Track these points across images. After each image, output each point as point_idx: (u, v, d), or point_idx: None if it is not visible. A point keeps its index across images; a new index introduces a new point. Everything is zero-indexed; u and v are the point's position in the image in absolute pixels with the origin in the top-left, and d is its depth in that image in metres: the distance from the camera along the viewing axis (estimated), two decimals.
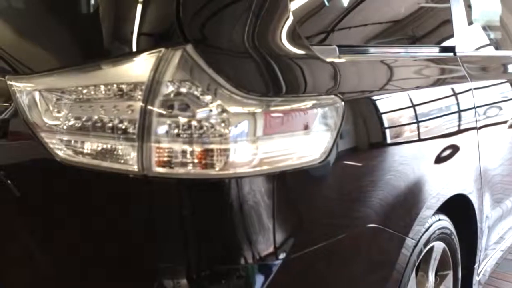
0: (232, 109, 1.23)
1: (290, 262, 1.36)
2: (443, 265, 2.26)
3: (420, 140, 1.77)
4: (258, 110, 1.26)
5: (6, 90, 1.39)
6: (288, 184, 1.34)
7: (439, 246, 2.13)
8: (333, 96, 1.43)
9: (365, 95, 1.56)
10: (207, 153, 1.22)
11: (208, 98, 1.22)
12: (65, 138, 1.31)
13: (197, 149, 1.22)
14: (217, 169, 1.23)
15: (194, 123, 1.22)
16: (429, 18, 2.15)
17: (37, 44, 1.46)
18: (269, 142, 1.28)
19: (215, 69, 1.24)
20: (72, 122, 1.30)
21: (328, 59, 1.51)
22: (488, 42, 2.76)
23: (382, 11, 1.88)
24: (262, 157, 1.27)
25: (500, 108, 2.49)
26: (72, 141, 1.30)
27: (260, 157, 1.27)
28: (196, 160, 1.22)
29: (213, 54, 1.28)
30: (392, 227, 1.68)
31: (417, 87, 1.81)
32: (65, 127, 1.30)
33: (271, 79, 1.34)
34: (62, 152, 1.31)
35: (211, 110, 1.22)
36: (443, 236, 2.10)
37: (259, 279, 1.34)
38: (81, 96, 1.29)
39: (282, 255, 1.34)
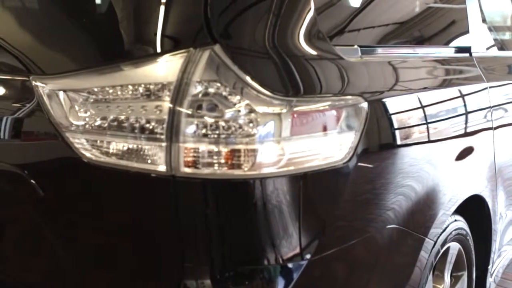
0: (260, 109, 1.23)
1: (314, 263, 1.36)
2: (457, 266, 2.25)
3: (440, 140, 1.77)
4: (285, 110, 1.26)
5: (31, 90, 1.39)
6: (313, 185, 1.34)
7: (454, 247, 2.13)
8: (356, 96, 1.43)
9: (386, 95, 1.56)
10: (235, 153, 1.22)
11: (236, 98, 1.22)
12: (91, 138, 1.30)
13: (225, 149, 1.22)
14: (244, 169, 1.23)
15: (222, 123, 1.21)
16: (446, 19, 2.15)
17: (62, 45, 1.46)
18: (296, 142, 1.28)
19: (243, 69, 1.24)
20: (98, 122, 1.29)
21: (351, 59, 1.50)
22: (501, 42, 2.76)
23: (401, 11, 1.88)
24: (289, 158, 1.26)
25: None
26: (98, 141, 1.30)
27: (287, 157, 1.26)
28: (223, 161, 1.22)
29: (240, 54, 1.28)
30: (412, 228, 1.68)
31: (436, 87, 1.81)
32: (91, 127, 1.30)
33: (297, 79, 1.34)
34: (87, 152, 1.31)
35: (239, 111, 1.22)
36: (458, 237, 2.10)
37: (283, 280, 1.33)
38: (107, 96, 1.29)
39: (307, 256, 1.34)
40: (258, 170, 1.23)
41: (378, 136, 1.50)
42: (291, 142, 1.27)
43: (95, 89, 1.30)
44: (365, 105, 1.43)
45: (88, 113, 1.31)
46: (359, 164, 1.42)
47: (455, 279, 2.31)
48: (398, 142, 1.58)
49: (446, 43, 2.13)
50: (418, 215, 1.71)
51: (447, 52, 2.11)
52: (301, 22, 1.40)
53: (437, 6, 2.09)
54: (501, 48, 2.76)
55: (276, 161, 1.26)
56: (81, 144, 1.32)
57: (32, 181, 1.42)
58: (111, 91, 1.28)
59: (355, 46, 1.55)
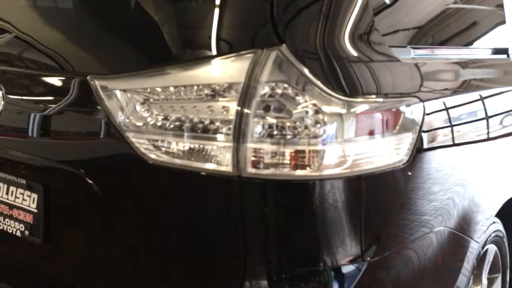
0: (327, 109, 1.23)
1: (374, 264, 1.35)
2: (492, 268, 2.25)
3: (487, 140, 1.77)
4: (351, 111, 1.25)
5: (88, 90, 1.39)
6: (375, 186, 1.34)
7: (492, 249, 2.13)
8: (413, 97, 1.43)
9: (438, 96, 1.56)
10: (302, 154, 1.22)
11: (303, 98, 1.22)
12: (153, 138, 1.30)
13: (292, 150, 1.22)
14: (311, 170, 1.22)
15: (290, 124, 1.21)
16: (487, 21, 2.14)
17: (123, 45, 1.46)
18: (360, 143, 1.28)
19: (309, 69, 1.24)
20: (161, 122, 1.29)
21: (405, 60, 1.50)
22: None
23: (446, 13, 1.88)
24: (354, 159, 1.26)
25: None
26: (160, 141, 1.30)
27: (352, 158, 1.26)
28: (290, 161, 1.22)
29: (305, 55, 1.27)
30: (460, 230, 1.68)
31: (483, 89, 1.81)
32: (153, 127, 1.30)
33: (360, 80, 1.34)
34: (148, 152, 1.31)
35: (307, 112, 1.21)
36: (496, 239, 2.10)
37: (342, 282, 1.33)
38: (170, 97, 1.28)
39: (367, 258, 1.34)
40: (324, 171, 1.23)
41: (432, 137, 1.50)
42: (356, 143, 1.27)
43: (158, 89, 1.30)
44: (421, 105, 1.43)
45: (150, 113, 1.30)
46: (416, 165, 1.42)
47: (489, 281, 2.30)
48: (450, 142, 1.58)
49: (486, 45, 2.13)
50: (466, 217, 1.71)
51: (486, 54, 2.11)
52: (361, 24, 1.40)
53: (478, 8, 2.09)
54: None
55: (342, 162, 1.25)
56: (142, 144, 1.31)
57: (89, 180, 1.41)
58: (175, 91, 1.28)
59: (408, 47, 1.55)
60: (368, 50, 1.41)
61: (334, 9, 1.35)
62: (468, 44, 2.00)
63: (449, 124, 1.56)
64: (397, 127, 1.36)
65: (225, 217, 1.29)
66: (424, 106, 1.43)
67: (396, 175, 1.37)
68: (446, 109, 1.55)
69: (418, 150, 1.41)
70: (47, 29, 1.62)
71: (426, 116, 1.44)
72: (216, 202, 1.30)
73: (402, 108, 1.38)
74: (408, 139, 1.38)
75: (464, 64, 1.82)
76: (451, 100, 1.59)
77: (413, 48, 1.57)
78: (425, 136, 1.45)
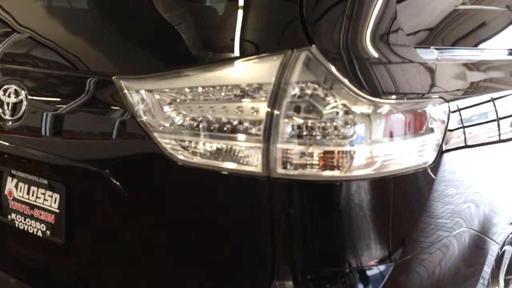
0: (356, 109, 1.22)
1: (401, 265, 1.35)
2: (509, 269, 2.24)
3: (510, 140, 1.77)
4: (381, 111, 1.25)
5: (114, 90, 1.38)
6: (403, 187, 1.34)
7: (509, 250, 2.12)
8: (438, 97, 1.42)
9: (462, 96, 1.56)
10: (331, 155, 1.22)
11: (333, 99, 1.22)
12: (180, 138, 1.30)
13: (322, 151, 1.21)
14: (341, 171, 1.22)
15: (320, 124, 1.21)
16: (508, 22, 2.14)
17: (151, 46, 1.46)
18: (389, 144, 1.27)
19: (339, 70, 1.24)
20: (189, 122, 1.29)
21: (429, 61, 1.50)
22: None
23: (469, 14, 1.88)
24: (383, 160, 1.26)
25: None
26: (187, 142, 1.30)
27: (382, 159, 1.26)
28: (320, 162, 1.22)
29: (334, 55, 1.27)
30: (483, 231, 1.68)
31: (507, 89, 1.81)
32: (181, 127, 1.29)
33: (388, 81, 1.33)
34: (176, 152, 1.30)
35: (337, 112, 1.21)
36: None
37: (367, 284, 1.32)
38: (199, 97, 1.28)
39: (394, 259, 1.33)
40: (353, 172, 1.23)
41: (457, 138, 1.50)
42: (384, 144, 1.27)
43: (186, 90, 1.29)
44: (446, 106, 1.43)
45: (178, 114, 1.30)
46: (443, 165, 1.42)
47: (506, 282, 2.30)
48: (475, 142, 1.58)
49: (507, 46, 2.13)
50: (488, 218, 1.71)
51: (505, 55, 2.11)
52: (388, 25, 1.40)
53: (500, 9, 2.08)
54: None
55: (370, 163, 1.25)
56: (169, 144, 1.31)
57: (114, 180, 1.41)
58: (204, 91, 1.27)
59: (431, 48, 1.55)
60: (394, 50, 1.40)
61: (358, 9, 1.35)
62: (490, 44, 1.99)
63: (474, 125, 1.56)
64: (424, 128, 1.35)
65: (253, 217, 1.29)
66: (449, 107, 1.43)
67: (422, 175, 1.37)
68: (471, 109, 1.55)
69: (443, 151, 1.41)
70: (71, 30, 1.62)
71: (451, 117, 1.44)
72: (244, 203, 1.29)
73: (428, 108, 1.37)
74: (434, 140, 1.38)
75: (487, 64, 1.81)
76: (475, 101, 1.59)
77: (436, 48, 1.56)
78: (450, 137, 1.44)
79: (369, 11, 1.38)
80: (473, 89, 1.63)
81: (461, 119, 1.51)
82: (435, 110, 1.39)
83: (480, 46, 1.90)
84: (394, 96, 1.31)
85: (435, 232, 1.47)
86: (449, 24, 1.74)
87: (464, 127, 1.52)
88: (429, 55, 1.53)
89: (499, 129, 1.69)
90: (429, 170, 1.38)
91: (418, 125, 1.34)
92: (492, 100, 1.69)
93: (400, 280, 1.37)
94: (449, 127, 1.43)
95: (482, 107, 1.62)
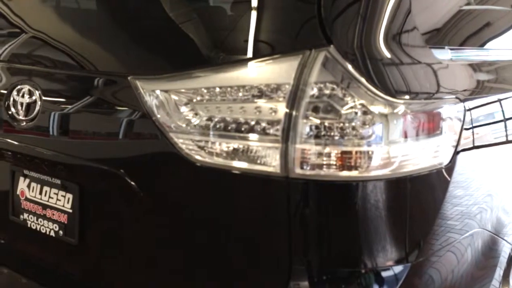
0: (375, 109, 1.22)
1: (417, 266, 1.35)
2: None
3: None
4: (399, 111, 1.25)
5: (129, 90, 1.38)
6: (420, 187, 1.34)
7: None
8: (454, 98, 1.42)
9: (478, 96, 1.56)
10: (350, 155, 1.21)
11: (351, 99, 1.21)
12: (197, 138, 1.30)
13: (341, 151, 1.21)
14: (359, 171, 1.22)
15: (338, 124, 1.21)
16: None
17: (167, 46, 1.46)
18: (405, 144, 1.27)
19: (357, 70, 1.24)
20: (206, 123, 1.28)
21: (444, 61, 1.50)
22: None
23: (483, 14, 1.88)
24: (399, 160, 1.26)
25: None
26: (204, 142, 1.29)
27: (397, 159, 1.26)
28: (338, 162, 1.21)
29: (350, 55, 1.27)
30: (497, 232, 1.68)
31: None
32: (198, 127, 1.29)
33: (403, 81, 1.33)
34: (193, 152, 1.30)
35: (356, 112, 1.21)
36: None
37: (383, 285, 1.32)
38: (216, 97, 1.28)
39: (410, 260, 1.33)
40: (373, 172, 1.23)
41: (473, 138, 1.50)
42: (401, 144, 1.27)
43: (203, 90, 1.29)
44: (462, 106, 1.43)
45: (195, 114, 1.30)
46: (459, 165, 1.42)
47: None
48: (490, 142, 1.59)
49: None
50: (500, 218, 1.71)
51: None
52: (404, 25, 1.40)
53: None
54: None
55: (387, 164, 1.25)
56: (186, 145, 1.31)
57: (129, 180, 1.41)
58: (221, 91, 1.27)
59: (446, 48, 1.55)
60: (410, 51, 1.40)
61: (373, 9, 1.34)
62: (504, 44, 1.99)
63: (489, 124, 1.56)
64: (440, 128, 1.35)
65: (270, 217, 1.28)
66: (464, 107, 1.43)
67: (438, 176, 1.37)
68: (487, 109, 1.55)
69: (459, 151, 1.41)
70: (85, 31, 1.62)
71: (467, 117, 1.44)
72: (261, 203, 1.29)
73: (444, 109, 1.37)
74: (450, 140, 1.38)
75: (502, 64, 1.81)
76: (491, 100, 1.59)
77: (451, 49, 1.56)
78: (466, 137, 1.44)
79: (384, 11, 1.37)
80: (488, 89, 1.63)
81: (477, 119, 1.51)
82: (451, 110, 1.39)
83: (495, 46, 1.90)
84: (410, 96, 1.31)
85: (451, 232, 1.47)
86: (464, 24, 1.74)
87: (479, 127, 1.52)
88: (444, 55, 1.53)
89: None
90: (445, 171, 1.38)
91: (434, 125, 1.34)
92: (507, 99, 1.69)
93: (414, 282, 1.37)
94: (465, 127, 1.43)
95: (497, 107, 1.62)
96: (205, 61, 1.38)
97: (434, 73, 1.44)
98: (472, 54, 1.73)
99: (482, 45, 1.83)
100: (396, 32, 1.39)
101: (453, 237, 1.47)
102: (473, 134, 1.49)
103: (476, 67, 1.68)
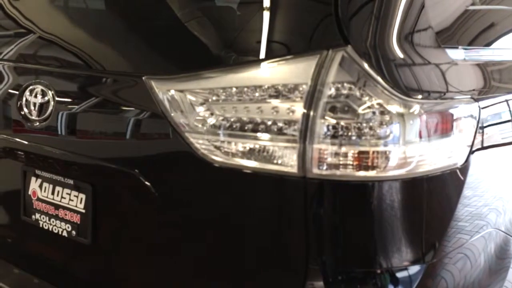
0: (392, 109, 1.22)
1: (432, 266, 1.35)
2: None
3: None
4: (416, 111, 1.25)
5: (144, 90, 1.38)
6: (436, 188, 1.33)
7: None
8: (469, 98, 1.42)
9: (492, 96, 1.55)
10: (368, 155, 1.21)
11: (369, 100, 1.21)
12: (214, 138, 1.29)
13: (359, 151, 1.21)
14: (377, 171, 1.22)
15: (356, 124, 1.20)
16: None
17: (182, 46, 1.45)
18: (421, 144, 1.27)
19: (374, 70, 1.23)
20: (222, 123, 1.28)
21: (458, 61, 1.50)
22: None
23: (497, 14, 1.88)
24: (419, 160, 1.25)
25: None
26: (220, 142, 1.29)
27: (413, 159, 1.25)
28: (356, 162, 1.21)
29: (367, 55, 1.27)
30: (509, 231, 1.68)
31: None
32: (214, 127, 1.29)
33: (422, 81, 1.33)
34: (209, 152, 1.30)
35: (373, 112, 1.21)
36: None
37: (398, 285, 1.32)
38: (232, 97, 1.28)
39: (426, 260, 1.33)
40: (390, 172, 1.22)
41: (487, 138, 1.50)
42: (417, 144, 1.26)
43: (219, 90, 1.29)
44: (476, 106, 1.42)
45: (211, 114, 1.30)
46: (473, 165, 1.42)
47: None
48: (505, 142, 1.58)
49: None
50: (511, 218, 1.71)
51: None
52: (418, 24, 1.40)
53: None
54: None
55: (404, 164, 1.25)
56: (202, 145, 1.31)
57: (144, 181, 1.41)
58: (236, 92, 1.27)
59: (459, 48, 1.55)
60: (424, 50, 1.40)
61: (386, 8, 1.34)
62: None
63: (504, 123, 1.56)
64: (455, 128, 1.35)
65: (286, 217, 1.28)
66: (479, 107, 1.43)
67: (453, 176, 1.37)
68: (501, 109, 1.55)
69: (474, 151, 1.41)
70: (99, 31, 1.61)
71: (481, 117, 1.44)
72: (278, 203, 1.29)
73: (460, 108, 1.37)
74: (465, 140, 1.38)
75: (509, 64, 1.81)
76: (504, 99, 1.59)
77: (464, 48, 1.56)
78: (480, 137, 1.44)
79: (398, 10, 1.37)
80: (502, 89, 1.63)
81: (491, 119, 1.51)
82: (466, 110, 1.39)
83: (507, 46, 1.90)
84: (426, 96, 1.31)
85: (466, 232, 1.47)
86: (476, 24, 1.74)
87: (493, 126, 1.52)
88: (458, 55, 1.53)
89: None
90: (460, 171, 1.37)
91: (449, 125, 1.34)
92: None
93: (432, 280, 1.37)
94: (480, 127, 1.43)
95: (507, 106, 1.62)
96: (221, 61, 1.37)
97: (449, 73, 1.44)
98: (485, 54, 1.73)
99: (493, 44, 1.83)
100: (409, 31, 1.38)
101: (468, 237, 1.47)
102: (487, 134, 1.49)
103: (489, 66, 1.68)
